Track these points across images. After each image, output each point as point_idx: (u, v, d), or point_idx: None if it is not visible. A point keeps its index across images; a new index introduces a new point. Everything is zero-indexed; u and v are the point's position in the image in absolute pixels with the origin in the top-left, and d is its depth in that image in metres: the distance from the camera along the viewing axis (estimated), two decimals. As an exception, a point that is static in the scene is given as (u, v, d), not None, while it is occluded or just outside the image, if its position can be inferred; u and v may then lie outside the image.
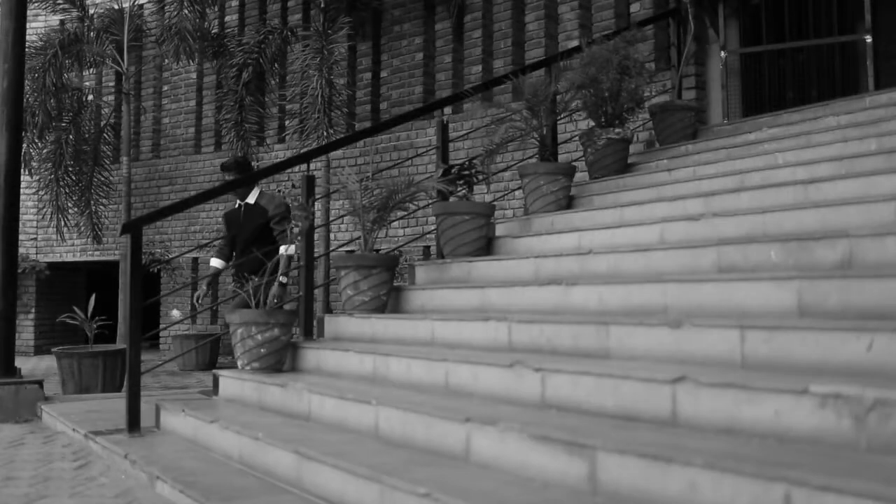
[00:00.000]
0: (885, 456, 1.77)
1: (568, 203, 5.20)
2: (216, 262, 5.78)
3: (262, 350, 4.16)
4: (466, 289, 4.15)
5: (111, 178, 10.47)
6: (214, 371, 4.63)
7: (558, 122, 5.96)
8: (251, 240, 5.51)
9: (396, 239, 8.07)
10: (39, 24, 11.02)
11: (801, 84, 7.30)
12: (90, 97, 10.71)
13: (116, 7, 9.66)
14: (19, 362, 6.22)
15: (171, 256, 9.84)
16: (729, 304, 2.78)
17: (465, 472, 2.40)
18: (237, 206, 5.67)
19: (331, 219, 7.95)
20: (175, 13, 9.09)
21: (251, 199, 5.61)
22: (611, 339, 2.86)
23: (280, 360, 4.26)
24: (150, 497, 3.16)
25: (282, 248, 5.26)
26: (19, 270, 8.99)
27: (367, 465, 2.49)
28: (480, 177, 5.11)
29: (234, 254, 5.68)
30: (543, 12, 7.83)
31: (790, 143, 4.70)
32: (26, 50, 6.58)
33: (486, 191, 6.02)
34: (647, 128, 6.52)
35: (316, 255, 5.60)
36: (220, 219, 6.95)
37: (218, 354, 9.05)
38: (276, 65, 9.25)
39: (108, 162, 10.54)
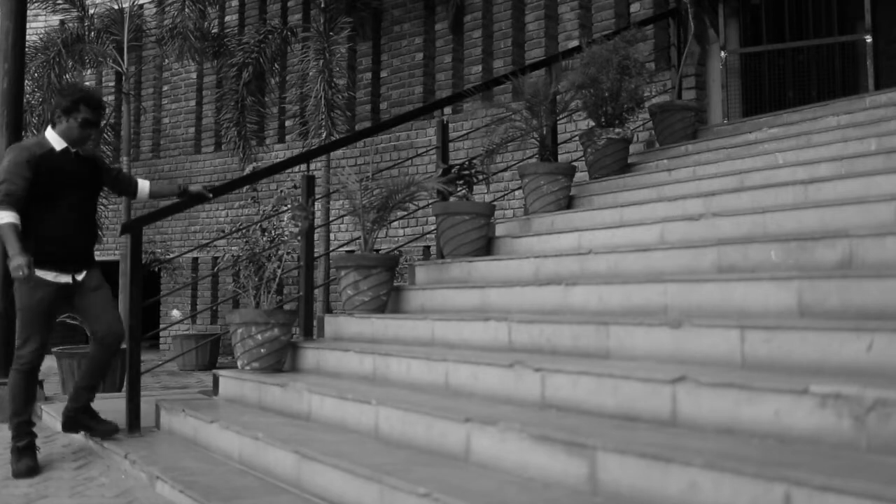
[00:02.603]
0: (885, 456, 1.77)
1: (568, 203, 5.20)
2: (12, 218, 3.70)
3: (262, 350, 4.16)
4: (466, 289, 4.15)
5: (111, 177, 10.47)
6: (214, 371, 4.63)
7: (558, 122, 5.96)
8: (90, 205, 4.12)
9: (396, 239, 8.07)
10: (39, 24, 11.02)
11: (801, 84, 7.30)
12: (90, 97, 10.70)
13: (116, 7, 9.66)
14: (19, 362, 6.21)
15: (171, 256, 9.84)
16: (729, 304, 2.78)
17: (465, 472, 2.40)
18: (62, 149, 3.93)
19: (331, 219, 7.95)
20: (177, 13, 9.09)
21: (82, 151, 4.06)
22: (611, 339, 2.86)
23: (280, 360, 4.26)
24: (150, 497, 3.16)
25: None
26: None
27: (367, 465, 2.49)
28: (480, 177, 5.11)
29: (38, 215, 3.83)
30: (543, 12, 7.83)
31: (790, 143, 4.70)
32: (27, 50, 6.57)
33: (486, 191, 6.02)
34: (647, 128, 6.52)
35: (316, 255, 5.60)
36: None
37: (218, 354, 9.04)
38: (276, 65, 9.25)
39: (107, 162, 10.53)
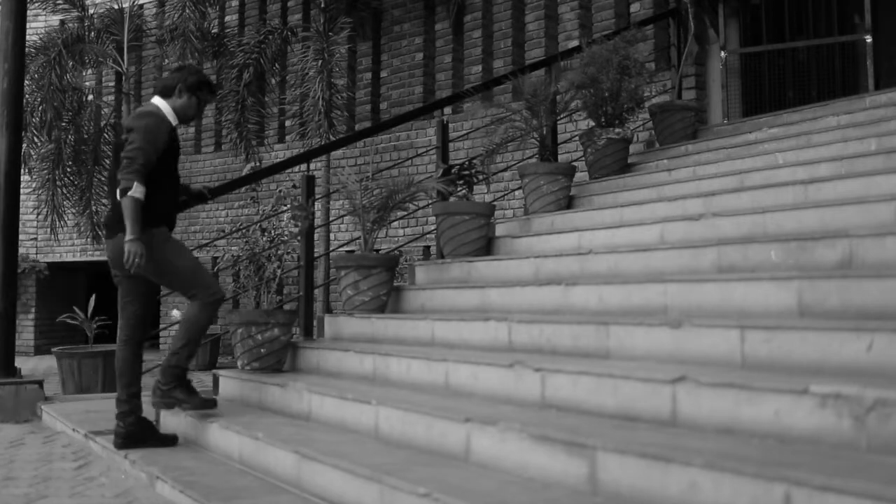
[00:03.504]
0: (885, 456, 1.77)
1: (568, 203, 5.20)
2: (142, 194, 3.54)
3: (261, 350, 4.17)
4: (466, 289, 4.15)
5: (111, 178, 10.48)
6: (214, 371, 4.63)
7: (558, 122, 5.96)
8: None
9: (396, 239, 8.07)
10: (39, 24, 11.02)
11: (801, 84, 7.30)
12: (90, 97, 10.71)
13: (116, 7, 9.66)
14: (19, 362, 6.23)
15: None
16: (729, 304, 2.78)
17: (465, 472, 2.40)
18: (175, 125, 3.85)
19: (331, 219, 7.95)
20: (177, 14, 9.10)
21: None
22: (611, 339, 2.86)
23: (280, 360, 4.26)
24: (150, 497, 3.16)
25: None
26: (19, 270, 8.98)
27: (367, 465, 2.49)
28: (480, 177, 5.11)
29: (162, 182, 3.72)
30: (543, 12, 7.83)
31: (790, 143, 4.70)
32: (27, 50, 6.58)
33: (486, 191, 6.02)
34: (647, 128, 6.52)
35: (316, 255, 5.60)
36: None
37: (218, 354, 9.04)
38: (276, 65, 9.24)
39: (108, 162, 10.53)
